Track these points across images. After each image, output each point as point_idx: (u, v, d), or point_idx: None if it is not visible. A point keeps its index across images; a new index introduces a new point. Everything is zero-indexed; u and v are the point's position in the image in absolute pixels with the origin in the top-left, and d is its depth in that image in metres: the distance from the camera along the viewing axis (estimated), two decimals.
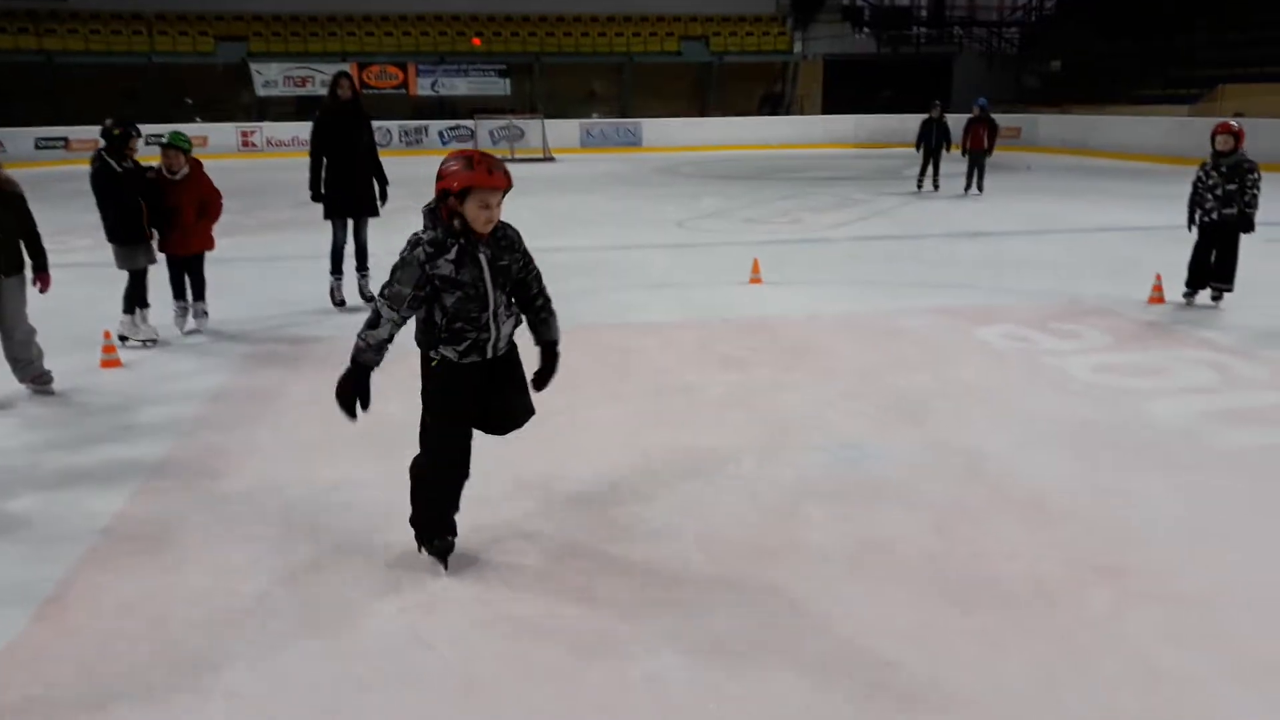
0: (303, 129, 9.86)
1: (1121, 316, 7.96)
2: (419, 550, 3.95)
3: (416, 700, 3.06)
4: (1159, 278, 8.57)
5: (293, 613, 3.55)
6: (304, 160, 8.37)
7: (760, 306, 8.45)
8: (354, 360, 3.59)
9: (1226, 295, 8.32)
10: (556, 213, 15.42)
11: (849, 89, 35.78)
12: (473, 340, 3.61)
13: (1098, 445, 5.12)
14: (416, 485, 3.87)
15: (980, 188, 17.38)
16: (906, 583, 3.73)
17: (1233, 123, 8.35)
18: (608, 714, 2.98)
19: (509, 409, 3.83)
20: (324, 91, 8.34)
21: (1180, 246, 8.66)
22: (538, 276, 3.83)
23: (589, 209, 16.17)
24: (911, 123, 18.93)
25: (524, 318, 3.83)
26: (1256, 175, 8.09)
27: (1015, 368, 6.53)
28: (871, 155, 27.91)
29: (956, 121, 18.47)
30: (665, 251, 11.60)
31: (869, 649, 3.28)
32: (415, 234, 3.55)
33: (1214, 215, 8.19)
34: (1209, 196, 8.21)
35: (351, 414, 3.59)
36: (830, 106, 35.73)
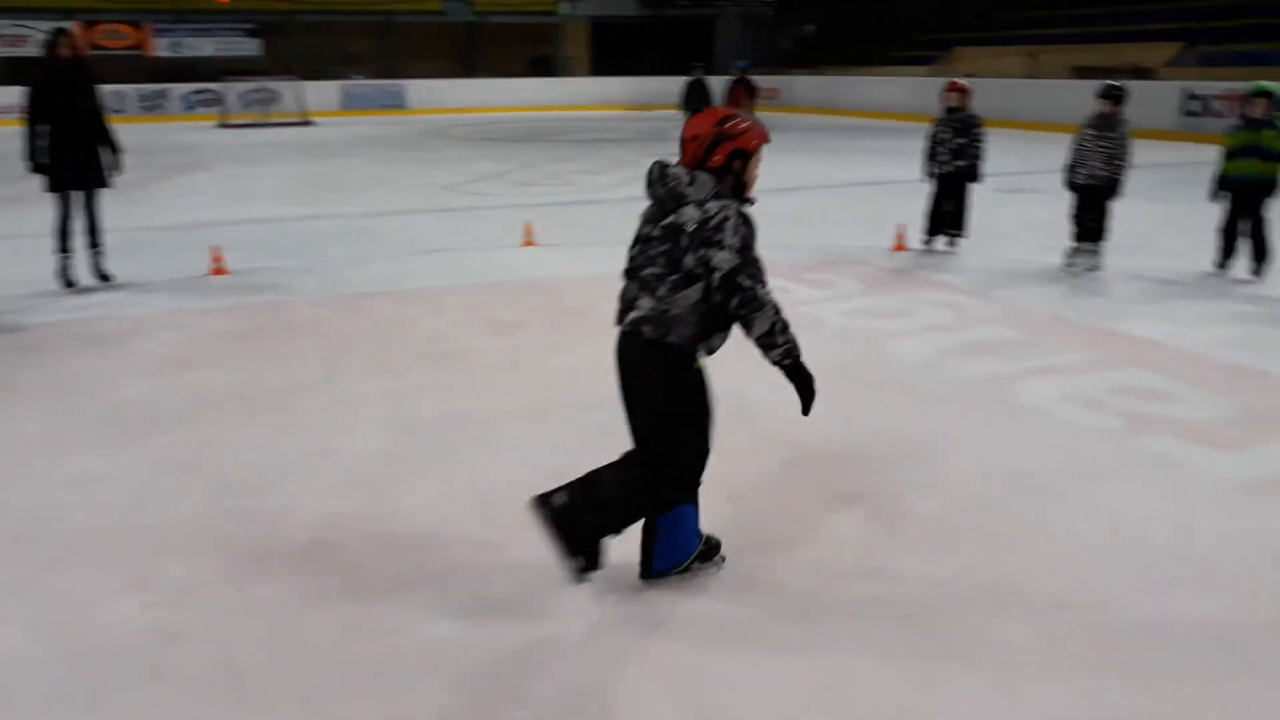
0: (16, 95, 8.89)
1: (870, 265, 8.49)
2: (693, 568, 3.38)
3: (169, 694, 2.86)
4: (902, 227, 9.20)
5: (19, 619, 3.23)
6: (19, 130, 7.56)
7: (534, 270, 8.42)
8: (800, 362, 3.20)
9: (960, 241, 9.04)
10: (315, 179, 14.72)
11: (616, 51, 36.11)
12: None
13: (849, 383, 5.45)
14: (618, 516, 3.24)
15: None
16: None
17: (961, 81, 9.04)
18: (384, 683, 2.91)
19: None
20: (42, 52, 7.53)
21: (921, 198, 9.31)
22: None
23: (352, 174, 15.54)
24: (677, 84, 19.32)
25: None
26: (980, 130, 8.80)
27: None
28: (641, 117, 28.33)
29: (720, 83, 19.02)
30: (435, 216, 11.34)
31: (649, 596, 3.35)
32: (716, 205, 3.05)
33: (947, 167, 8.85)
34: (942, 149, 8.86)
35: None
36: (599, 68, 35.96)
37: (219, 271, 8.21)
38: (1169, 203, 11.52)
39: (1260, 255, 7.76)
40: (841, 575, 3.50)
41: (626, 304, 3.26)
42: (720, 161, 3.15)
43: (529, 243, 9.38)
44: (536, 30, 37.11)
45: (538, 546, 3.65)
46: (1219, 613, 3.23)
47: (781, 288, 7.57)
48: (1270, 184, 7.57)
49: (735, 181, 3.18)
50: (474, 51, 35.26)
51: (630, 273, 3.27)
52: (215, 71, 28.69)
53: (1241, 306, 7.10)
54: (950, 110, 8.84)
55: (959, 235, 9.03)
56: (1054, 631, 3.14)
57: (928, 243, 9.09)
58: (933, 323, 6.67)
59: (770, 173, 15.59)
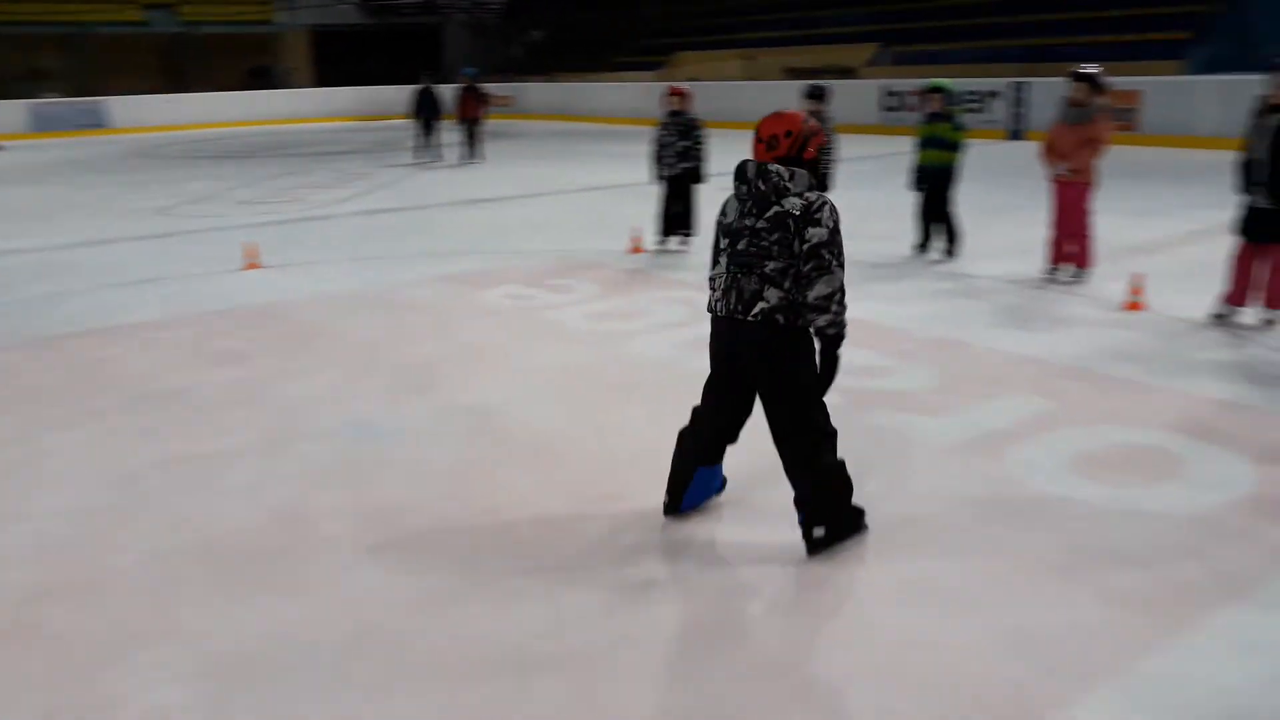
0: None
1: (608, 267, 8.64)
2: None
3: None
4: (637, 229, 9.42)
5: None
6: None
7: (261, 293, 7.94)
8: (841, 338, 3.49)
9: (692, 240, 9.37)
10: (3, 209, 13.24)
11: (340, 60, 34.90)
12: None
13: (591, 385, 5.50)
14: (839, 481, 3.62)
15: (480, 155, 17.88)
16: (421, 552, 3.71)
17: (681, 85, 9.37)
18: None
19: None
20: None
21: (653, 200, 9.56)
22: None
23: (45, 202, 14.09)
24: (407, 93, 18.90)
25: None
26: (702, 132, 9.15)
27: (517, 325, 6.81)
28: (371, 128, 27.51)
29: (451, 91, 18.79)
30: (147, 244, 10.46)
31: (393, 627, 3.21)
32: (815, 195, 3.45)
33: (674, 169, 9.15)
34: (667, 153, 9.14)
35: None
36: (323, 79, 34.60)
37: None
38: (877, 190, 12.50)
39: (951, 236, 8.55)
40: (604, 581, 3.50)
41: (749, 296, 3.47)
42: (812, 154, 3.56)
43: (253, 265, 8.85)
44: (253, 40, 35.19)
45: (270, 598, 3.43)
46: (939, 566, 3.49)
47: (523, 294, 7.60)
48: (945, 171, 8.35)
49: (815, 173, 3.57)
50: (184, 64, 32.94)
51: (745, 266, 3.48)
52: None
53: (939, 284, 7.79)
54: (672, 114, 9.13)
55: (690, 234, 9.36)
56: (783, 591, 3.28)
57: (662, 243, 9.36)
58: (667, 320, 6.85)
59: (508, 180, 15.70)
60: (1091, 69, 7.34)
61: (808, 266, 3.38)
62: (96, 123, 27.45)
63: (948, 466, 4.36)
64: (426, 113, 17.95)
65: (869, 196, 12.03)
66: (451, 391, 5.47)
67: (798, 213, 3.39)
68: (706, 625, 3.21)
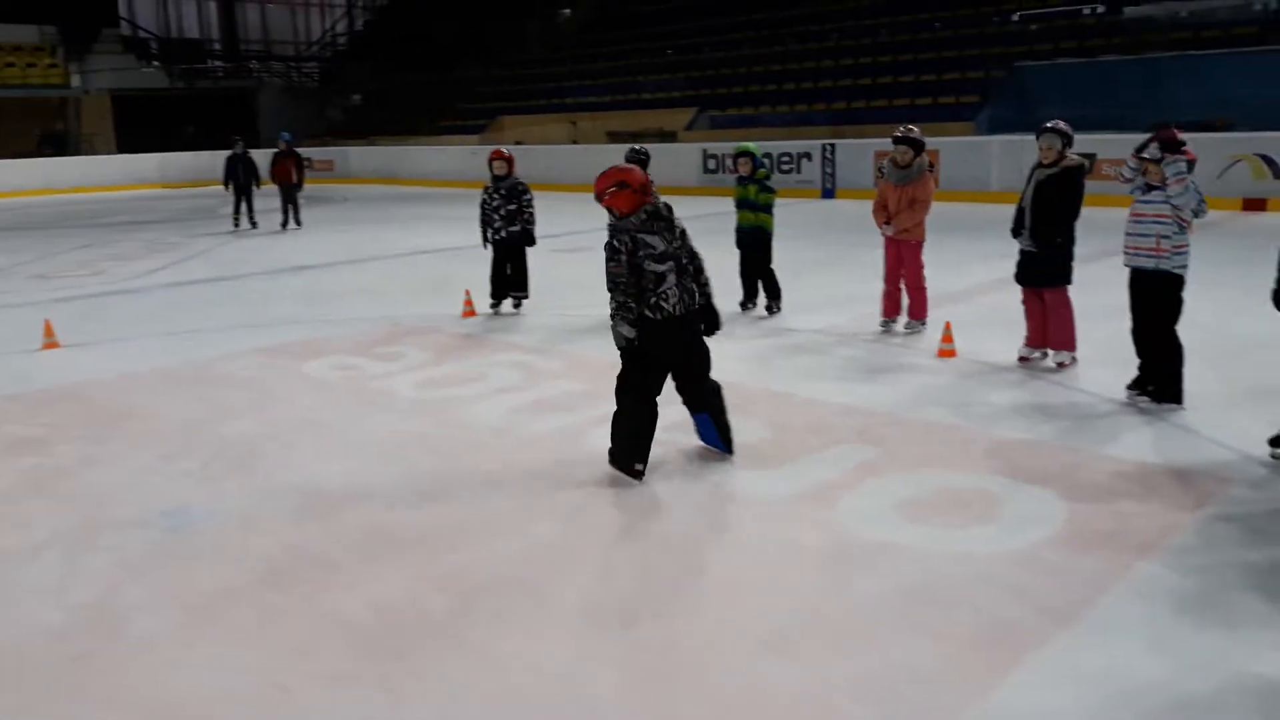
0: None
1: (440, 332, 8.49)
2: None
3: None
4: (468, 293, 9.32)
5: None
6: None
7: (60, 374, 7.38)
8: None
9: (524, 302, 9.34)
10: None
11: (145, 125, 33.29)
12: None
13: (426, 455, 5.35)
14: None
15: (298, 221, 17.35)
16: (247, 645, 3.47)
17: (504, 149, 9.38)
18: None
19: None
20: None
21: (483, 263, 9.49)
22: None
23: None
24: (220, 159, 18.18)
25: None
26: (529, 196, 9.18)
27: (344, 397, 6.57)
28: (181, 195, 26.33)
29: (265, 156, 18.21)
30: None
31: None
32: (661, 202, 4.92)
33: (502, 233, 9.12)
34: (495, 216, 9.12)
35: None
36: (126, 145, 32.88)
37: None
38: (701, 250, 12.80)
39: (770, 293, 8.85)
40: (424, 651, 3.35)
41: (691, 291, 4.91)
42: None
43: (51, 344, 8.21)
44: (46, 104, 33.14)
45: (85, 698, 3.12)
46: (768, 620, 3.53)
47: (350, 364, 7.37)
48: (759, 231, 8.67)
49: None
50: None
51: (681, 272, 4.84)
52: None
53: (763, 339, 8.02)
54: (497, 178, 9.13)
55: (523, 296, 9.32)
56: (618, 647, 3.24)
57: (495, 306, 9.28)
58: (504, 384, 6.77)
59: (330, 245, 15.27)
60: (913, 131, 7.73)
61: (696, 261, 4.99)
62: None
63: (781, 517, 4.45)
64: (241, 179, 17.31)
65: None
66: (274, 470, 5.20)
67: (681, 228, 4.91)
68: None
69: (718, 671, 3.23)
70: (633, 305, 4.71)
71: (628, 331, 4.76)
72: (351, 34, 42.83)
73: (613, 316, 4.80)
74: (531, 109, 29.78)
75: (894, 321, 7.98)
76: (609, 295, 4.76)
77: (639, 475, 4.85)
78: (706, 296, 5.01)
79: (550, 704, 3.08)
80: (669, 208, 4.88)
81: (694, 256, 4.96)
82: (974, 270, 10.61)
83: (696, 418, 5.20)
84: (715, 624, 3.53)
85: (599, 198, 4.82)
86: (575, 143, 27.00)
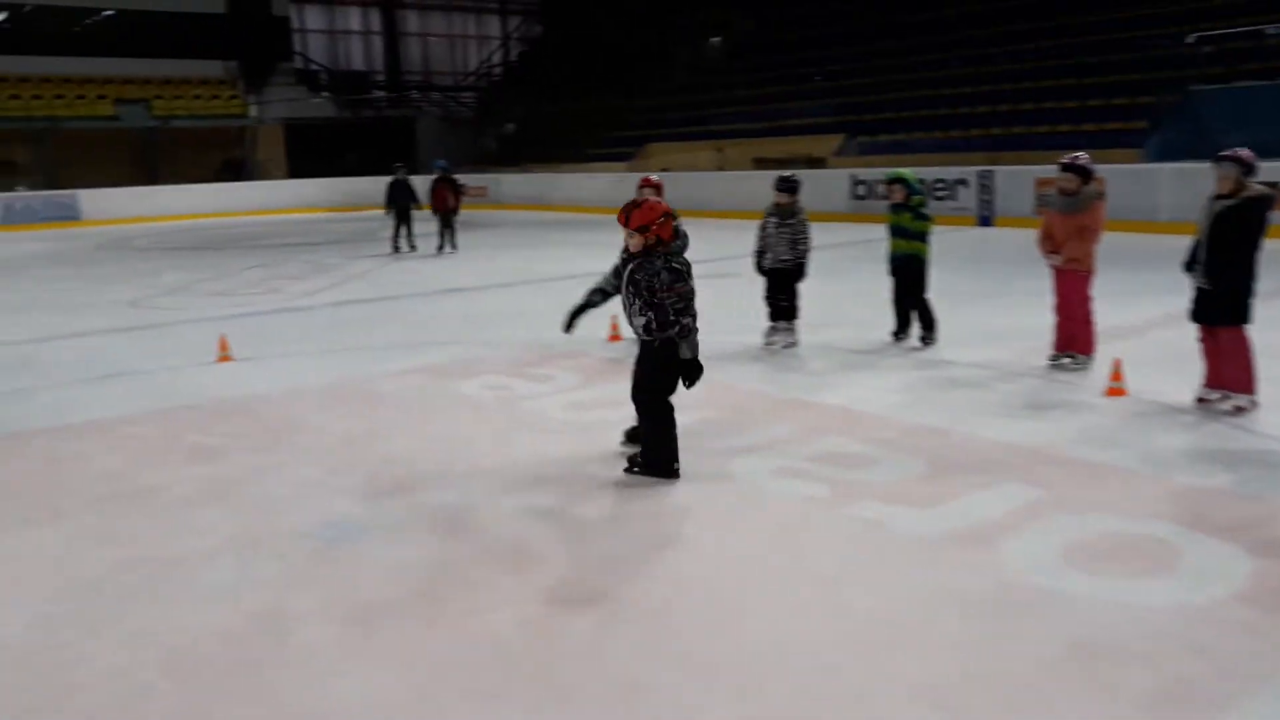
0: None
1: (588, 356, 8.59)
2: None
3: None
4: (615, 318, 9.40)
5: None
6: None
7: (234, 387, 7.81)
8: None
9: None
10: None
11: (313, 152, 35.23)
12: None
13: (573, 478, 5.40)
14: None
15: (454, 245, 17.96)
16: (398, 659, 3.55)
17: (653, 176, 9.44)
18: None
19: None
20: None
21: None
22: (676, 306, 5.09)
23: (14, 295, 13.94)
24: (382, 184, 19.04)
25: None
26: (677, 222, 9.20)
27: (496, 416, 6.71)
28: (345, 219, 27.67)
29: (423, 182, 18.96)
30: (116, 337, 10.32)
31: None
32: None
33: None
34: None
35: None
36: (296, 170, 34.87)
37: None
38: (851, 278, 12.63)
39: (925, 323, 8.59)
40: (568, 672, 3.35)
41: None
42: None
43: (225, 358, 8.73)
44: (226, 133, 35.51)
45: (256, 702, 3.26)
46: (927, 671, 3.38)
47: (502, 385, 7.52)
48: (914, 259, 8.43)
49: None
50: (156, 157, 33.09)
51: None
52: None
53: (918, 371, 7.79)
54: None
55: None
56: (766, 698, 3.15)
57: None
58: None
59: (483, 269, 15.72)
60: (1080, 158, 7.39)
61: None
62: (69, 215, 27.42)
63: (935, 560, 4.27)
64: (400, 203, 18.07)
65: (843, 284, 12.15)
66: (429, 487, 5.35)
67: None
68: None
69: None
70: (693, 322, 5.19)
71: (698, 346, 5.20)
72: (506, 65, 44.29)
73: (687, 330, 5.14)
74: (678, 136, 30.03)
75: (1063, 356, 7.59)
76: (667, 312, 5.08)
77: (678, 474, 5.32)
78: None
79: None
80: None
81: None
82: (1142, 304, 10.05)
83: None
84: (866, 671, 3.41)
85: (645, 228, 5.13)
86: (721, 169, 27.06)
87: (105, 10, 33.50)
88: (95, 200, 28.03)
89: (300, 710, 3.25)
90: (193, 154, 33.80)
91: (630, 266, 5.20)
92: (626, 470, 5.44)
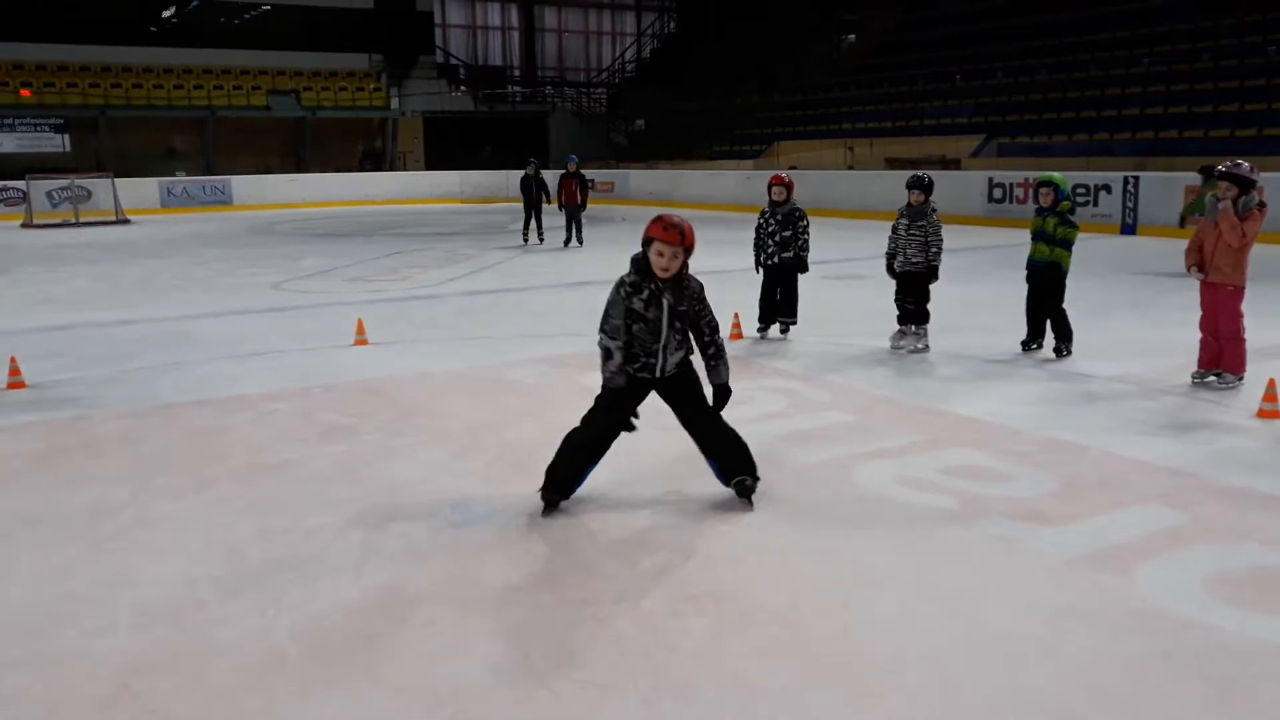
0: None
1: None
2: (540, 494, 4.85)
3: None
4: (736, 315, 9.37)
5: None
6: None
7: (367, 369, 8.10)
8: (605, 388, 4.72)
9: (792, 328, 9.28)
10: (127, 280, 13.96)
11: (450, 145, 36.25)
12: (643, 362, 4.70)
13: (690, 477, 5.39)
14: (565, 448, 4.84)
15: (580, 239, 18.20)
16: (516, 645, 3.62)
17: (784, 175, 9.36)
18: None
19: (687, 419, 4.91)
20: None
21: (753, 286, 9.52)
22: (712, 325, 4.82)
23: (170, 274, 14.80)
24: (514, 178, 19.47)
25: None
26: (805, 222, 9.12)
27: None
28: (477, 210, 28.35)
29: (554, 177, 19.27)
30: (260, 317, 10.84)
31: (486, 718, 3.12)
32: (620, 276, 4.61)
33: (775, 258, 9.11)
34: (769, 241, 9.12)
35: (629, 428, 4.81)
36: (433, 162, 35.95)
37: (15, 385, 7.53)
38: (984, 283, 12.24)
39: (1060, 334, 8.24)
40: (685, 669, 3.35)
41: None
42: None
43: (361, 341, 9.06)
44: (368, 124, 36.87)
45: (376, 676, 3.38)
46: (1063, 691, 3.25)
47: None
48: (1053, 266, 8.08)
49: (645, 260, 4.67)
50: (303, 146, 34.63)
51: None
52: (20, 169, 27.07)
53: (1052, 383, 7.49)
54: (775, 203, 9.12)
55: (791, 322, 9.26)
56: (885, 708, 3.08)
57: (762, 331, 9.28)
58: (770, 410, 6.73)
59: (609, 263, 15.80)
60: (1240, 166, 6.94)
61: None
62: (222, 199, 28.97)
63: (1067, 581, 4.10)
64: (531, 197, 18.42)
65: (976, 289, 11.80)
66: None
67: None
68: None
69: None
70: None
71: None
72: (639, 61, 44.60)
73: (723, 352, 4.85)
74: (808, 134, 29.68)
75: (1209, 375, 7.19)
76: (709, 335, 4.83)
77: (550, 503, 4.91)
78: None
79: None
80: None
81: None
82: None
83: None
84: (989, 689, 3.30)
85: (690, 250, 4.72)
86: (851, 168, 26.63)
87: (264, 5, 35.20)
88: (245, 186, 29.53)
89: (419, 689, 3.33)
90: (337, 144, 35.24)
91: (668, 301, 4.65)
92: (740, 496, 4.97)
